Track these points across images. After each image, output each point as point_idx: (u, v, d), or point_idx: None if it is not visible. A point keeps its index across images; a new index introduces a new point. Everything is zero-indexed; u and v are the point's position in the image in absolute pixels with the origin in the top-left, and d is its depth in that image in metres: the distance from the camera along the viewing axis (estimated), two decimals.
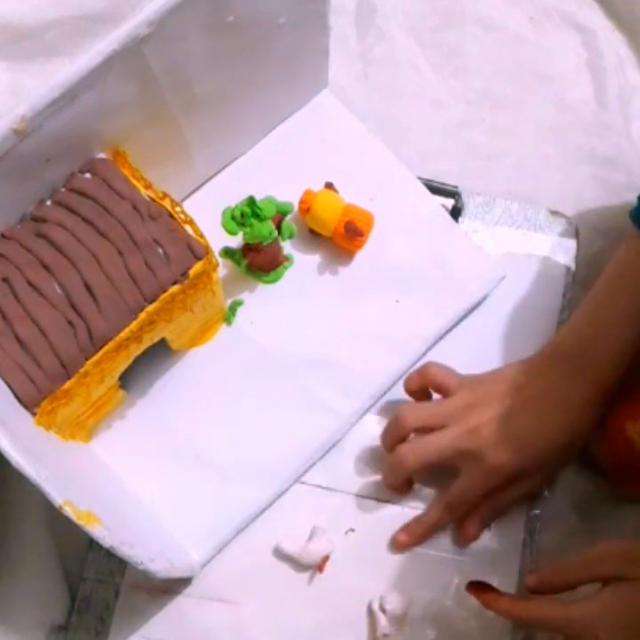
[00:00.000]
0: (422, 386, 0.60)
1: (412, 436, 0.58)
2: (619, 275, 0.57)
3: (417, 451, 0.57)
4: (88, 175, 0.54)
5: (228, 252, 0.63)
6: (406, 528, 0.59)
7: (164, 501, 0.59)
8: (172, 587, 0.58)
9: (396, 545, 0.58)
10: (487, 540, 0.59)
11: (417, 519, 0.59)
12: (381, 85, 0.73)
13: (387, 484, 0.59)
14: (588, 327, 0.57)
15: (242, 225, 0.58)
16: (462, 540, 0.59)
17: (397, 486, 0.59)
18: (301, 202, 0.63)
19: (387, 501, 0.60)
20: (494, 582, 0.57)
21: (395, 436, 0.58)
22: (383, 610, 0.57)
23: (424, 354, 0.63)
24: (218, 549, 0.59)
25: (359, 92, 0.72)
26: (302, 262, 0.65)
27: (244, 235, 0.58)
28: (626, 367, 0.56)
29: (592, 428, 0.57)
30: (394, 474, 0.58)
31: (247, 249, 0.61)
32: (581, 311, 0.58)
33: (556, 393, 0.56)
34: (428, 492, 0.60)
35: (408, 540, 0.58)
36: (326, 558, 0.58)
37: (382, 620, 0.57)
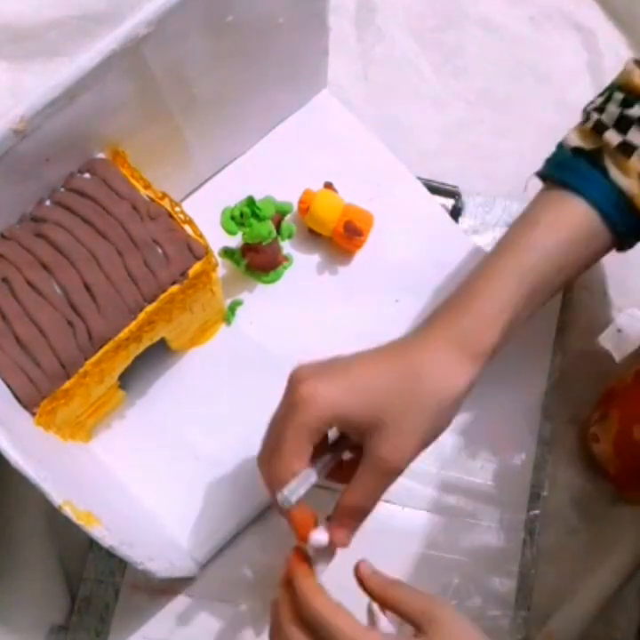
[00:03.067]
0: None
1: None
2: (510, 226, 0.53)
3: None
4: (87, 175, 0.54)
5: (227, 252, 0.63)
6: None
7: (164, 501, 0.59)
8: (172, 587, 0.58)
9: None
10: (487, 539, 0.59)
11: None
12: (381, 85, 0.73)
13: None
14: (466, 282, 0.51)
15: (241, 225, 0.58)
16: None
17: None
18: (301, 202, 0.63)
19: (387, 501, 0.60)
20: (494, 582, 0.57)
21: None
22: (383, 610, 0.57)
23: None
24: (218, 549, 0.59)
25: (359, 91, 0.72)
26: (302, 262, 0.65)
27: (244, 234, 0.58)
28: (509, 326, 0.49)
29: (458, 388, 0.47)
30: None
31: (246, 249, 0.61)
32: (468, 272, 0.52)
33: (406, 342, 0.50)
34: (430, 492, 0.60)
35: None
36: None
37: (382, 620, 0.56)
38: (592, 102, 0.54)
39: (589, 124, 0.52)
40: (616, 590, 0.58)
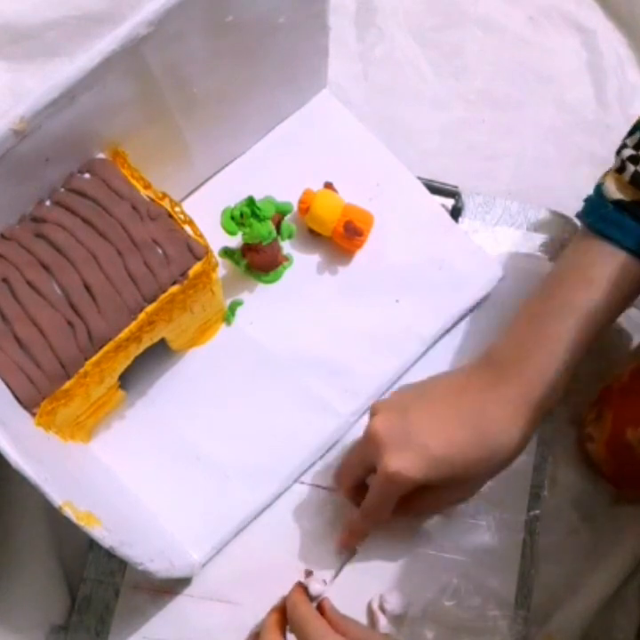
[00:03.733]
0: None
1: None
2: (554, 276, 0.54)
3: (340, 472, 0.59)
4: (87, 175, 0.54)
5: (227, 252, 0.63)
6: (343, 532, 0.59)
7: (164, 501, 0.59)
8: (172, 587, 0.58)
9: (342, 547, 0.59)
10: (487, 539, 0.59)
11: (348, 524, 0.58)
12: (381, 85, 0.73)
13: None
14: (517, 329, 0.54)
15: (241, 225, 0.58)
16: (342, 544, 0.59)
17: (352, 501, 0.58)
18: (301, 202, 0.63)
19: None
20: (494, 582, 0.57)
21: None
22: (383, 609, 0.57)
23: (423, 354, 0.63)
24: (218, 549, 0.59)
25: (359, 92, 0.72)
26: (302, 262, 0.65)
27: (244, 235, 0.58)
28: (563, 383, 0.52)
29: (517, 447, 0.52)
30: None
31: (246, 249, 0.61)
32: (520, 316, 0.55)
33: (472, 403, 0.52)
34: None
35: (345, 543, 0.58)
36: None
37: (382, 620, 0.57)
38: (624, 145, 0.54)
39: (627, 177, 0.53)
40: (616, 590, 0.58)
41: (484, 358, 0.55)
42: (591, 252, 0.53)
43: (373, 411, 0.54)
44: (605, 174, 0.55)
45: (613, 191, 0.53)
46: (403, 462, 0.51)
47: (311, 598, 0.55)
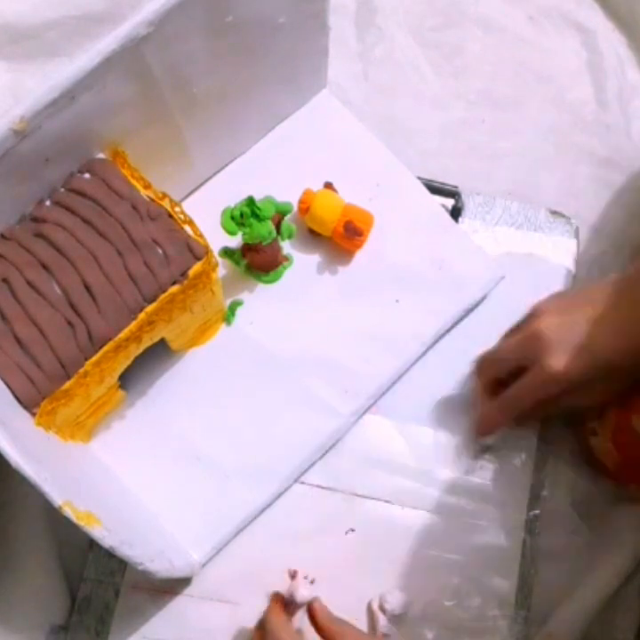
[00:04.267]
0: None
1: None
2: None
3: (486, 363, 0.59)
4: (87, 175, 0.54)
5: (227, 252, 0.63)
6: (477, 422, 0.60)
7: (164, 501, 0.59)
8: (172, 587, 0.58)
9: (478, 433, 0.60)
10: (487, 539, 0.59)
11: (479, 413, 0.60)
12: (381, 85, 0.73)
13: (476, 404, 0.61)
14: None
15: (241, 225, 0.58)
16: (478, 431, 0.60)
17: (484, 399, 0.60)
18: (301, 202, 0.63)
19: (387, 501, 0.60)
20: (494, 582, 0.57)
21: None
22: (383, 609, 0.57)
23: (423, 354, 0.63)
24: (218, 549, 0.59)
25: (359, 92, 0.72)
26: (302, 262, 0.65)
27: (244, 235, 0.58)
28: None
29: None
30: (478, 390, 0.60)
31: (246, 249, 0.61)
32: None
33: (630, 308, 0.53)
34: (430, 492, 0.60)
35: (478, 431, 0.60)
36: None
37: (382, 620, 0.57)
38: None
39: None
40: (616, 590, 0.58)
41: (631, 272, 0.55)
42: None
43: (536, 312, 0.56)
44: None
45: None
46: (566, 363, 0.53)
47: (297, 605, 0.55)
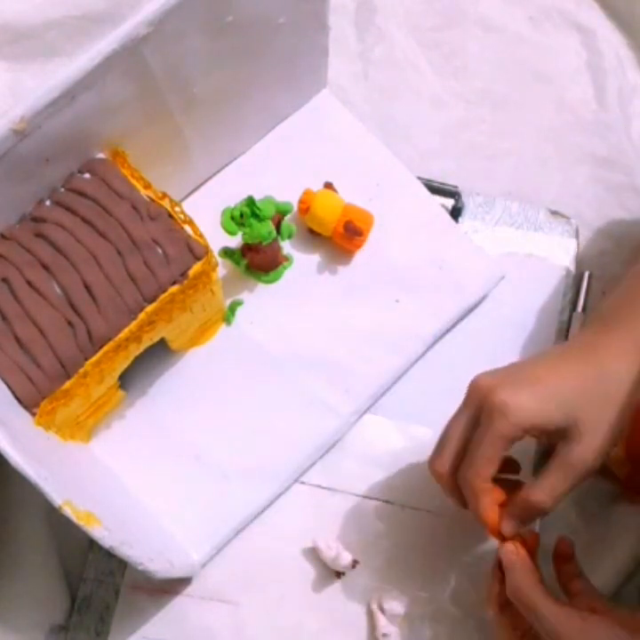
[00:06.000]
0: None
1: None
2: None
3: (437, 445, 0.52)
4: (87, 175, 0.54)
5: (227, 252, 0.63)
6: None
7: (164, 501, 0.59)
8: (172, 587, 0.58)
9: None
10: (487, 539, 0.59)
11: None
12: (381, 85, 0.73)
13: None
14: (625, 294, 0.52)
15: (241, 225, 0.58)
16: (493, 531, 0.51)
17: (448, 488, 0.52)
18: (301, 201, 0.63)
19: (387, 501, 0.60)
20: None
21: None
22: (382, 609, 0.57)
23: (423, 354, 0.63)
24: (218, 549, 0.59)
25: (359, 92, 0.72)
26: (302, 262, 0.65)
27: (244, 235, 0.58)
28: None
29: (635, 383, 0.49)
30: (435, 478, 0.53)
31: (246, 249, 0.61)
32: (621, 285, 0.54)
33: (584, 345, 0.51)
34: (430, 491, 0.60)
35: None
36: (355, 563, 0.57)
37: (381, 620, 0.57)
38: None
39: None
40: (616, 590, 0.58)
41: (588, 321, 0.54)
42: None
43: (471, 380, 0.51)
44: None
45: None
46: (515, 396, 0.47)
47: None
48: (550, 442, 0.50)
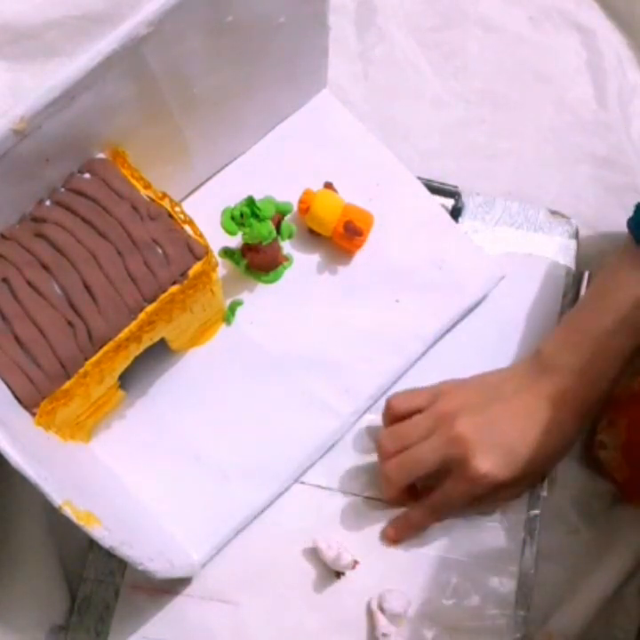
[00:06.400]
0: (395, 420, 0.59)
1: None
2: (606, 286, 0.56)
3: (402, 465, 0.57)
4: (87, 175, 0.54)
5: (227, 252, 0.63)
6: (394, 524, 0.59)
7: (164, 501, 0.59)
8: (172, 587, 0.58)
9: (386, 539, 0.59)
10: (487, 539, 0.59)
11: (403, 517, 0.59)
12: (381, 85, 0.73)
13: (387, 501, 0.59)
14: (572, 335, 0.56)
15: (241, 225, 0.58)
16: (396, 535, 0.59)
17: (396, 500, 0.59)
18: (301, 202, 0.63)
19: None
20: (494, 582, 0.57)
21: (380, 461, 0.58)
22: (382, 609, 0.57)
23: (423, 353, 0.63)
24: (218, 549, 0.59)
25: (359, 92, 0.72)
26: (302, 262, 0.65)
27: (244, 235, 0.58)
28: (617, 377, 0.56)
29: (579, 434, 0.57)
30: (387, 491, 0.59)
31: (246, 249, 0.61)
32: (567, 319, 0.58)
33: (542, 403, 0.55)
34: None
35: (395, 536, 0.59)
36: (355, 563, 0.58)
37: (381, 620, 0.57)
38: None
39: None
40: (616, 590, 0.58)
41: (530, 360, 0.57)
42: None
43: (449, 413, 0.56)
44: None
45: None
46: (492, 464, 0.54)
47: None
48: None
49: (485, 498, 0.56)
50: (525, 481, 0.57)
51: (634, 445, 0.56)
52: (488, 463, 0.54)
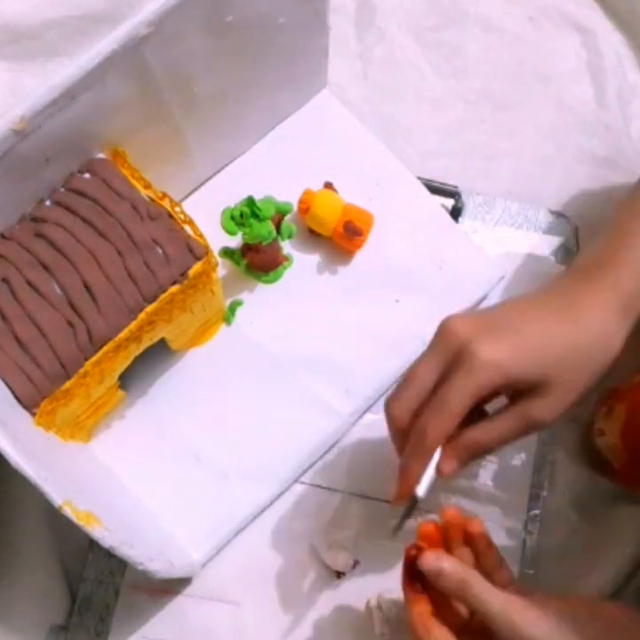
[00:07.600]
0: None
1: None
2: (627, 217, 0.51)
3: (396, 393, 0.49)
4: (87, 175, 0.54)
5: (227, 252, 0.63)
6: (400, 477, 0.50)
7: (164, 501, 0.59)
8: (172, 587, 0.58)
9: (441, 474, 0.49)
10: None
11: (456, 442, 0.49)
12: (381, 85, 0.73)
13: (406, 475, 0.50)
14: (608, 243, 0.50)
15: (241, 225, 0.58)
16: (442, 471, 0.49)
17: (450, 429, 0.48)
18: (301, 202, 0.63)
19: (387, 501, 0.60)
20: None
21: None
22: (381, 609, 0.57)
23: None
24: (218, 549, 0.59)
25: (359, 92, 0.72)
26: (302, 262, 0.65)
27: (244, 235, 0.58)
28: None
29: (615, 339, 0.47)
30: (442, 424, 0.47)
31: (246, 249, 0.61)
32: (604, 233, 0.52)
33: (563, 296, 0.49)
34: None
35: (404, 491, 0.51)
36: (355, 563, 0.57)
37: (380, 619, 0.57)
38: None
39: None
40: (616, 590, 0.58)
41: (568, 269, 0.51)
42: None
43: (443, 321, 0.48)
44: None
45: None
46: (495, 350, 0.46)
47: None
48: (509, 396, 0.49)
49: (513, 409, 0.48)
50: (560, 388, 0.47)
51: (633, 428, 0.56)
52: (491, 348, 0.46)
